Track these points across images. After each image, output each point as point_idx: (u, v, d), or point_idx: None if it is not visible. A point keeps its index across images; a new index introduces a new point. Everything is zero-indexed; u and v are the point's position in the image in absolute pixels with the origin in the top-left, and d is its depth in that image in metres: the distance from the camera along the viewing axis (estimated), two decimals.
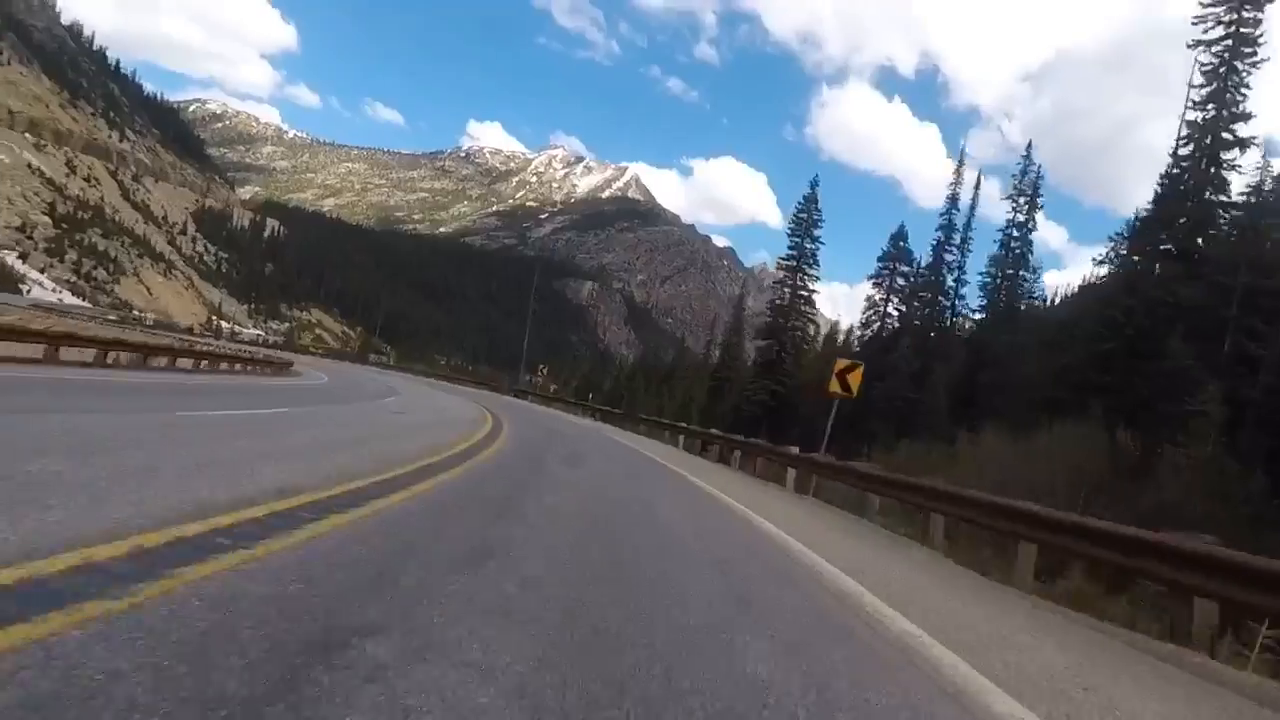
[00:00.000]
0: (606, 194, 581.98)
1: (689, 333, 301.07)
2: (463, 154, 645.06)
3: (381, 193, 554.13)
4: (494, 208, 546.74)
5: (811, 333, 43.17)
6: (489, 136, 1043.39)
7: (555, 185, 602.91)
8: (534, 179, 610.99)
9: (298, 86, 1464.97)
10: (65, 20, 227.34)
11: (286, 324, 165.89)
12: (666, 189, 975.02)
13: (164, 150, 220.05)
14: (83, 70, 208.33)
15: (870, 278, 37.97)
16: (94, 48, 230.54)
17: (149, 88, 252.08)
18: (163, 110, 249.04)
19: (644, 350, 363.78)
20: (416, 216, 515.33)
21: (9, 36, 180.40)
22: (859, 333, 41.12)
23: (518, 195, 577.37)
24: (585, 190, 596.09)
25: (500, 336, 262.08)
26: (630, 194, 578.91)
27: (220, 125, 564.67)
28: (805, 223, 37.38)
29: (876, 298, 37.39)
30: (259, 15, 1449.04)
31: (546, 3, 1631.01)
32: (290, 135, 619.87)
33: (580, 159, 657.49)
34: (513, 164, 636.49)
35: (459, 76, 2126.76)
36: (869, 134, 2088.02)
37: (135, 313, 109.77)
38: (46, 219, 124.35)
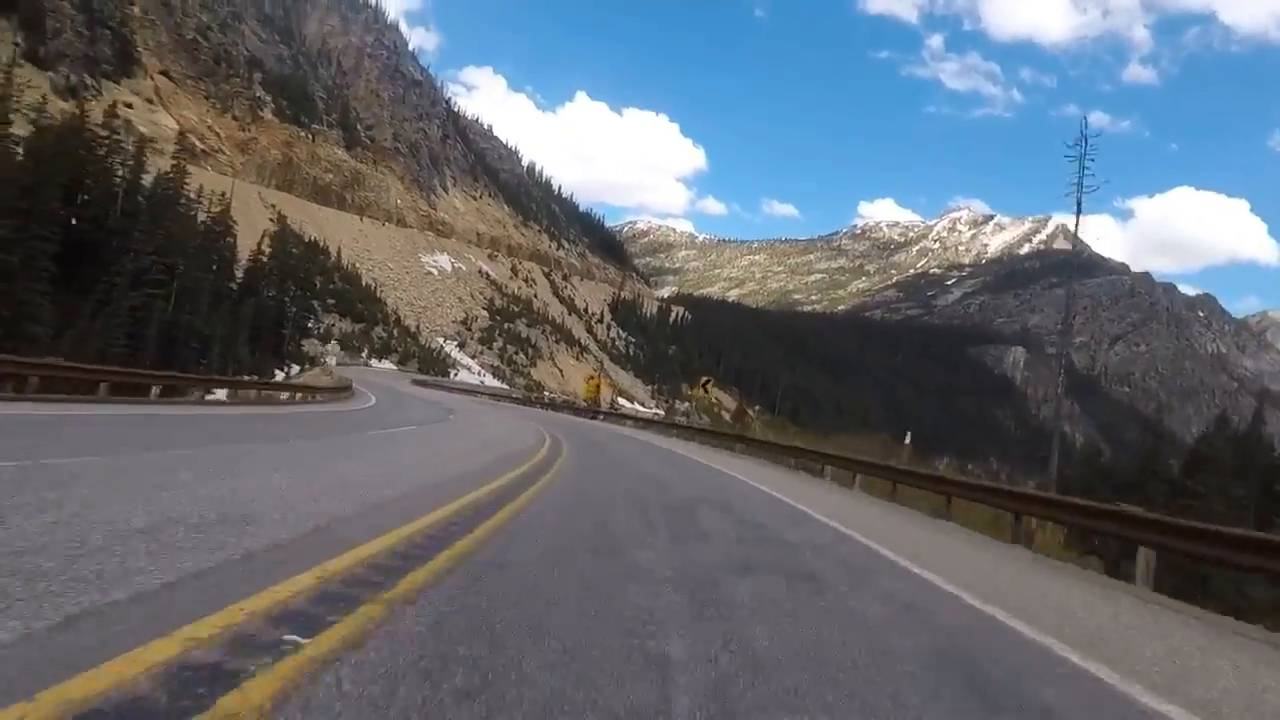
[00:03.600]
0: (1025, 250, 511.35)
1: (1154, 402, 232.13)
2: (857, 232, 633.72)
3: (780, 279, 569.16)
4: (893, 279, 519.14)
5: None
6: (880, 213, 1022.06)
7: (961, 248, 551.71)
8: (935, 245, 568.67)
9: (706, 199, 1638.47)
10: (524, 163, 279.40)
11: (685, 403, 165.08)
12: (1101, 236, 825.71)
13: (591, 254, 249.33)
14: (533, 197, 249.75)
15: None
16: (542, 180, 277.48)
17: (583, 207, 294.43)
18: (593, 222, 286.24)
19: (1095, 426, 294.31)
20: (814, 297, 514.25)
21: (483, 177, 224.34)
22: None
23: (919, 264, 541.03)
24: (998, 249, 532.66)
25: (909, 412, 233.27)
26: (1056, 245, 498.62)
27: (645, 240, 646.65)
28: None
29: None
30: (675, 146, 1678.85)
31: (934, 71, 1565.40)
32: (701, 239, 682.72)
33: (989, 217, 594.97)
34: (910, 234, 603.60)
35: (847, 163, 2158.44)
36: None
37: (545, 392, 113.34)
38: (484, 313, 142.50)
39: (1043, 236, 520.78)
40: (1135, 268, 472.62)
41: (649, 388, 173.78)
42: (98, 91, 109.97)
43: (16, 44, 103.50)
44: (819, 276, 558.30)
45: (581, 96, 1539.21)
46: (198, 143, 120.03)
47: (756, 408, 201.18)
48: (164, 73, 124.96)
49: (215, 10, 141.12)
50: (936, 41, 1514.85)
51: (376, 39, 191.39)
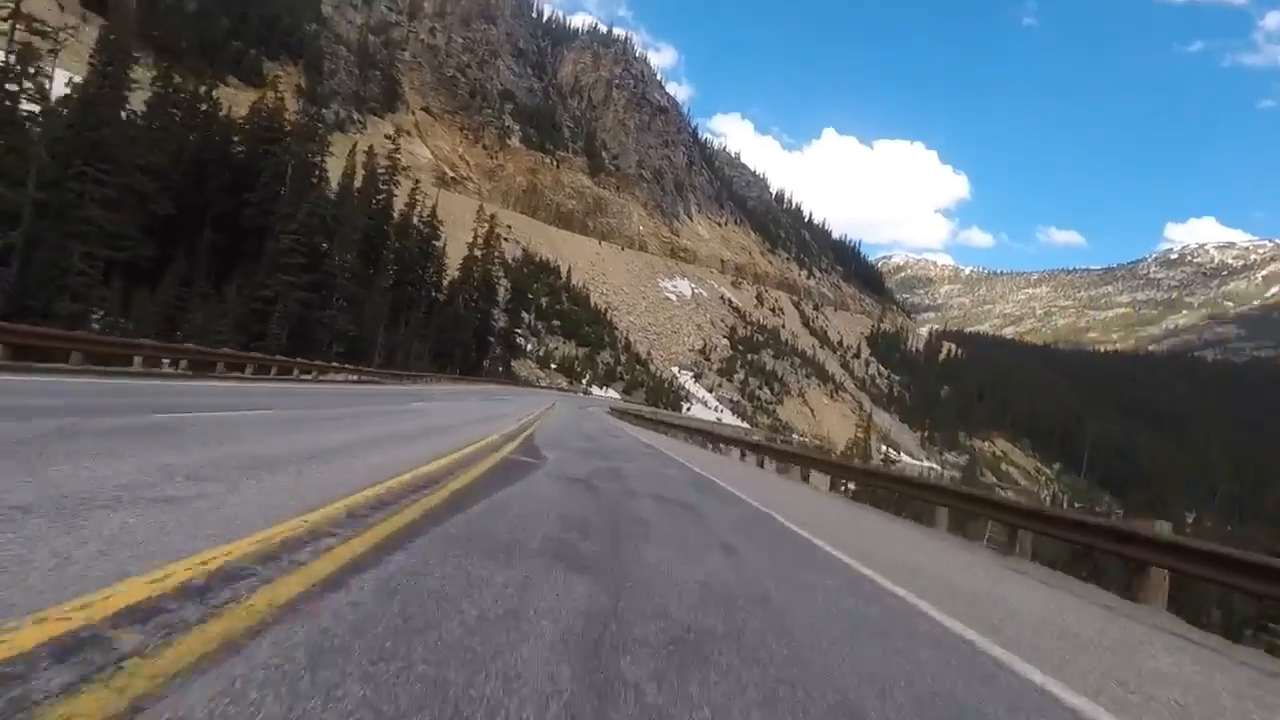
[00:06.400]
0: None
1: None
2: (1173, 256, 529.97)
3: (1068, 314, 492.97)
4: (1229, 313, 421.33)
5: None
6: (1199, 234, 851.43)
7: None
8: None
9: (969, 230, 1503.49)
10: (773, 189, 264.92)
11: (965, 455, 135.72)
12: None
13: (845, 284, 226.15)
14: (782, 225, 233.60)
15: None
16: (792, 207, 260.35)
17: (836, 234, 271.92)
18: (847, 250, 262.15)
19: None
20: (1114, 335, 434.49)
21: (729, 205, 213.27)
22: None
23: (1267, 294, 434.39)
24: None
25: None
26: None
27: (902, 275, 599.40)
28: None
29: None
30: (933, 175, 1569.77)
31: (1271, 57, 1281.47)
32: (966, 272, 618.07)
33: None
34: (1251, 257, 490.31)
35: (1147, 180, 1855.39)
36: None
37: (796, 436, 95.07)
38: (725, 342, 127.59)
39: None
40: None
41: (916, 434, 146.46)
42: (363, 125, 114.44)
43: (299, 85, 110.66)
44: (1121, 311, 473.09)
45: (829, 133, 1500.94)
46: (448, 170, 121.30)
47: (1057, 465, 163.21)
48: (425, 109, 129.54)
49: (475, 50, 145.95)
50: (1274, 21, 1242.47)
51: (625, 69, 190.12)
